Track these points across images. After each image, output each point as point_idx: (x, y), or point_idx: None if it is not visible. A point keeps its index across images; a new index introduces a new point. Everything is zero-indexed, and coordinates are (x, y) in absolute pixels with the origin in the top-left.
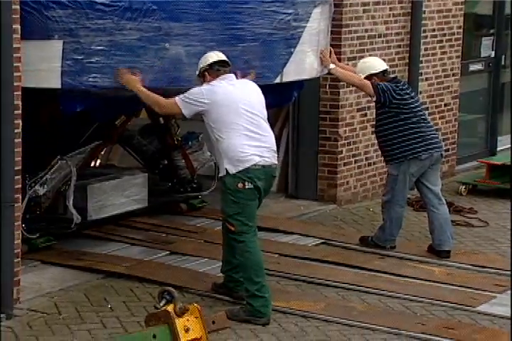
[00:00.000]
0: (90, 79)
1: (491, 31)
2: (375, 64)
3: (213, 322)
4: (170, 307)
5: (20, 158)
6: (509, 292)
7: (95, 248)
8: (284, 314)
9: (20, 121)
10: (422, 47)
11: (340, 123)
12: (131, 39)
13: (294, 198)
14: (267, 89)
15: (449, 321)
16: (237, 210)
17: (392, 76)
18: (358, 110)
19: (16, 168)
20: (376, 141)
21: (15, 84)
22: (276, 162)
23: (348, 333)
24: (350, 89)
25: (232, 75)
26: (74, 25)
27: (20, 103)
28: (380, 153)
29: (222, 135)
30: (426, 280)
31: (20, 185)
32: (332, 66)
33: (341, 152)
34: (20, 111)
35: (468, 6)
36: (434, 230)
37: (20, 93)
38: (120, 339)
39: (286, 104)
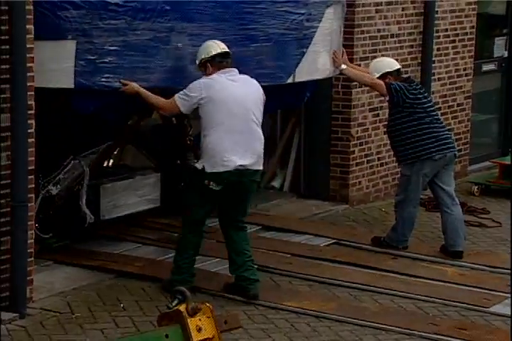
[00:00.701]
0: (103, 80)
1: (504, 31)
2: (390, 62)
3: (225, 322)
4: (182, 307)
5: (33, 158)
6: None
7: (107, 247)
8: (296, 314)
9: (33, 121)
10: (435, 47)
11: (352, 123)
12: (144, 39)
13: (306, 198)
14: (280, 90)
15: (461, 322)
16: (195, 202)
17: (405, 76)
18: (371, 110)
19: (30, 168)
20: (388, 141)
21: (28, 84)
22: (260, 167)
23: (360, 333)
24: (363, 89)
25: (235, 70)
26: (87, 26)
27: (33, 103)
28: (392, 153)
29: (208, 132)
30: (438, 281)
31: (33, 185)
32: (344, 66)
33: (353, 152)
34: (33, 111)
35: (481, 6)
36: (447, 231)
37: (33, 93)
38: (128, 339)
39: (299, 104)
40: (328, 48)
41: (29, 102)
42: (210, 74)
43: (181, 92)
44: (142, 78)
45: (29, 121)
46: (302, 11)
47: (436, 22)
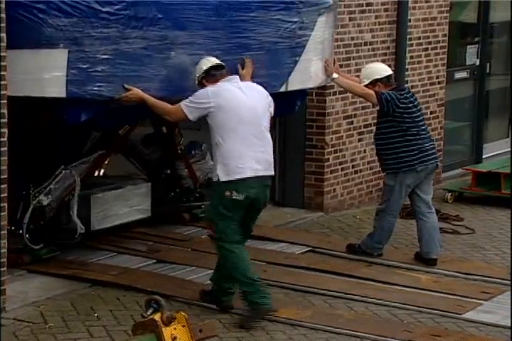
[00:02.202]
0: (95, 89)
1: (476, 39)
2: (380, 69)
3: (200, 331)
4: (157, 316)
5: (5, 167)
6: (497, 298)
7: (82, 256)
8: (271, 322)
9: (6, 130)
10: (408, 55)
11: (326, 131)
12: (137, 48)
13: (281, 206)
14: (272, 99)
15: (435, 328)
16: (220, 218)
17: (396, 83)
18: (345, 118)
19: (3, 177)
20: (364, 148)
21: (1, 92)
22: (273, 173)
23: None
24: (337, 97)
25: (237, 77)
26: (79, 34)
27: (6, 112)
28: (366, 161)
29: (221, 141)
30: (413, 288)
31: (6, 194)
32: (335, 75)
33: (328, 159)
34: (6, 120)
35: (453, 14)
36: (423, 238)
37: (6, 101)
38: None
39: (289, 113)
40: (321, 56)
41: (1, 111)
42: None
43: (187, 100)
44: (135, 87)
45: (1, 130)
46: (295, 19)
47: (409, 30)
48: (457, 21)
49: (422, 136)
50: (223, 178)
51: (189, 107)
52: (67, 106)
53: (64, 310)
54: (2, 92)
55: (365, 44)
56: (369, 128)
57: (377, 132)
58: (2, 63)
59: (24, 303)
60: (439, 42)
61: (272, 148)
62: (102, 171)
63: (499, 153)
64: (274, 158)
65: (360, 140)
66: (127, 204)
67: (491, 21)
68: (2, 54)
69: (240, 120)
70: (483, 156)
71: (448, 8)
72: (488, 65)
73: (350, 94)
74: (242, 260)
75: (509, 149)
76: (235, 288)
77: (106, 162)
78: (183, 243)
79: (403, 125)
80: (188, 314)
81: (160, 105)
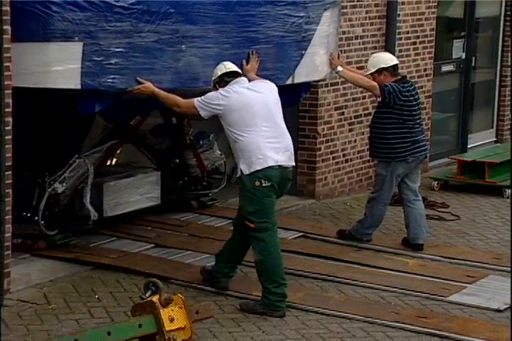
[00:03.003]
0: (109, 81)
1: (462, 34)
2: (386, 58)
3: (197, 312)
4: (155, 298)
5: (10, 154)
6: (480, 282)
7: (84, 240)
8: None
9: (10, 119)
10: (397, 48)
11: (318, 121)
12: (149, 41)
13: None
14: (279, 90)
15: (421, 310)
16: (257, 208)
17: (401, 75)
18: (336, 109)
19: (8, 164)
20: (359, 138)
21: (5, 83)
22: (293, 163)
23: (325, 322)
24: (329, 88)
25: (244, 78)
26: (93, 28)
27: (10, 101)
28: (356, 150)
29: (238, 137)
30: (400, 272)
31: (11, 181)
32: (340, 68)
33: (320, 149)
34: (10, 110)
35: (440, 10)
36: (410, 224)
37: (10, 92)
38: (103, 329)
39: (294, 104)
40: (326, 50)
41: (7, 100)
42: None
43: (200, 99)
44: (147, 79)
45: (7, 119)
46: (301, 14)
47: (398, 24)
48: (444, 16)
49: (416, 129)
50: (247, 171)
51: (201, 105)
52: (81, 97)
53: (66, 292)
54: (7, 83)
55: (356, 38)
56: (359, 119)
57: (375, 121)
58: (6, 55)
59: (28, 285)
60: (426, 36)
61: (289, 138)
62: (114, 160)
63: (483, 143)
64: None
65: (350, 130)
66: (138, 192)
67: (476, 17)
68: (6, 45)
69: (253, 116)
70: (468, 146)
71: (435, 4)
72: (473, 58)
73: (341, 86)
74: (276, 253)
75: (493, 139)
76: (235, 273)
77: (118, 151)
78: (181, 228)
79: (400, 117)
80: (184, 296)
81: (171, 98)
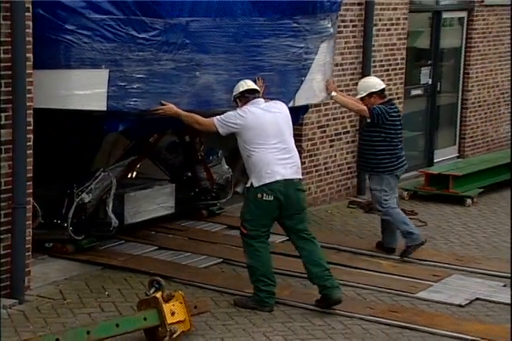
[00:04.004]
0: (132, 103)
1: (429, 62)
2: (375, 83)
3: (195, 307)
4: (158, 294)
5: (31, 167)
6: (445, 280)
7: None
8: None
9: (31, 136)
10: (372, 75)
11: (303, 138)
12: (167, 68)
13: None
14: None
15: (393, 305)
16: (253, 217)
17: (388, 98)
18: (319, 127)
19: (28, 175)
20: (338, 153)
21: (28, 104)
22: (300, 176)
23: (309, 316)
24: (312, 109)
25: (261, 100)
26: (118, 57)
27: (31, 120)
28: (336, 163)
29: (251, 153)
30: (374, 272)
31: (31, 190)
32: (334, 93)
33: (304, 163)
34: (31, 127)
35: (410, 41)
36: (385, 231)
37: (31, 111)
38: (112, 322)
39: (294, 123)
40: (322, 77)
41: (28, 119)
42: (242, 107)
43: (219, 117)
44: (168, 102)
45: (28, 136)
46: (301, 45)
47: (373, 54)
48: (413, 47)
49: (399, 146)
50: (256, 184)
51: (220, 123)
52: (107, 118)
53: (79, 289)
54: (28, 104)
55: (336, 65)
56: (339, 136)
57: (364, 138)
58: (28, 79)
59: (46, 283)
60: (398, 64)
61: (297, 153)
62: (135, 173)
63: (448, 158)
64: None
65: (331, 146)
66: (155, 202)
67: (441, 47)
68: (28, 71)
69: (266, 135)
70: (434, 161)
71: (405, 36)
72: (438, 84)
73: (323, 107)
74: (263, 258)
75: (456, 155)
76: (335, 281)
77: (138, 166)
78: (181, 232)
79: (387, 135)
80: (184, 293)
81: (192, 116)
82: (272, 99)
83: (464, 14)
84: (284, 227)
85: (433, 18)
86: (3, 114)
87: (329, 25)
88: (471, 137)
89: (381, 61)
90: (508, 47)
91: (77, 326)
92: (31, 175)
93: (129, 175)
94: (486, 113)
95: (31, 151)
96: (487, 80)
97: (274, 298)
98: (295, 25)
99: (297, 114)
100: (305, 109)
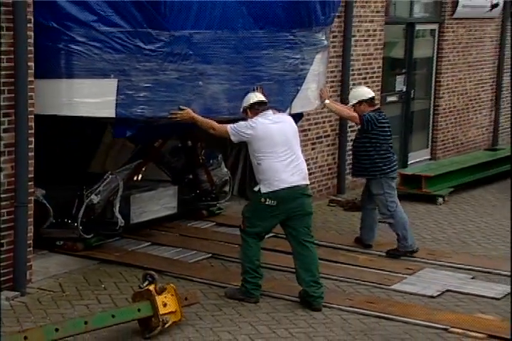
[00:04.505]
0: (139, 111)
1: (403, 71)
2: (365, 92)
3: (186, 299)
4: (151, 287)
5: (32, 168)
6: (418, 273)
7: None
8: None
9: (33, 139)
10: (351, 82)
11: None
12: (172, 78)
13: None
14: None
15: (370, 297)
16: (251, 215)
17: (377, 106)
18: (302, 131)
19: (29, 176)
20: (320, 155)
21: (29, 109)
22: (307, 182)
23: (291, 307)
24: None
25: (269, 112)
26: (127, 67)
27: (33, 124)
28: (317, 165)
29: (260, 161)
30: (352, 265)
31: (32, 190)
32: (327, 101)
33: None
34: (33, 131)
35: (386, 51)
36: (365, 227)
37: (33, 116)
38: (108, 313)
39: None
40: (316, 86)
41: (29, 124)
42: (251, 118)
43: (233, 126)
44: (170, 110)
45: (29, 139)
46: (298, 56)
47: (351, 63)
48: (389, 57)
49: (390, 150)
50: (264, 190)
51: (233, 131)
52: (115, 124)
53: (78, 282)
54: (30, 109)
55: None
56: (320, 140)
57: (357, 145)
58: (30, 86)
59: (46, 276)
60: (374, 72)
61: (303, 161)
62: (140, 176)
63: (421, 160)
64: (248, 165)
65: (313, 149)
66: (159, 203)
67: (414, 57)
68: (29, 79)
69: (274, 144)
70: (408, 162)
71: (382, 46)
72: (412, 91)
73: (305, 113)
74: (253, 252)
75: (428, 157)
76: (318, 292)
77: (143, 169)
78: (173, 229)
79: (377, 141)
80: (175, 285)
81: (208, 122)
82: (270, 107)
83: (435, 26)
84: (285, 231)
85: (407, 29)
86: (6, 119)
87: (323, 38)
88: (442, 141)
89: (359, 69)
90: (475, 56)
91: (76, 317)
92: (32, 175)
93: (135, 178)
94: (455, 118)
95: (32, 154)
96: (457, 88)
97: (260, 290)
98: (292, 37)
99: (294, 120)
100: (300, 115)
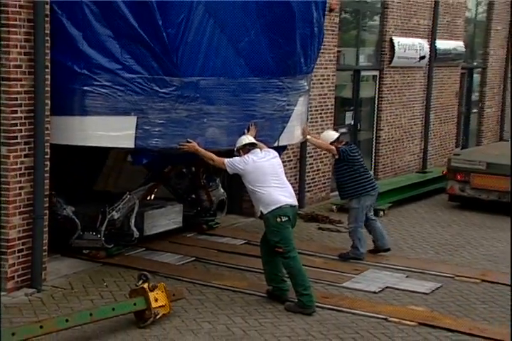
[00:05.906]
0: (154, 142)
1: (351, 108)
2: (332, 135)
3: (173, 295)
4: (145, 285)
5: (48, 187)
6: (363, 273)
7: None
8: (220, 289)
9: (48, 163)
10: (309, 117)
11: None
12: (182, 116)
13: (228, 213)
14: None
15: (325, 293)
16: (280, 237)
17: (346, 141)
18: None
19: (45, 193)
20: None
21: (45, 138)
22: (297, 203)
23: (262, 302)
24: None
25: (258, 150)
26: (144, 106)
27: (49, 151)
28: (295, 181)
29: (255, 189)
30: (311, 267)
31: (47, 204)
32: (309, 137)
33: None
34: (48, 156)
35: (337, 92)
36: (375, 237)
37: (48, 144)
38: (110, 306)
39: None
40: (300, 123)
41: (46, 150)
42: (243, 156)
43: (229, 160)
44: (179, 142)
45: (45, 163)
46: (284, 99)
47: (310, 101)
48: (340, 96)
49: (366, 173)
50: (265, 211)
51: (229, 164)
52: (134, 153)
53: (84, 281)
54: (46, 138)
55: None
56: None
57: (338, 172)
58: (46, 119)
59: (58, 276)
60: (328, 109)
61: (289, 186)
62: (153, 196)
63: None
64: (227, 183)
65: (295, 167)
66: (167, 218)
67: (360, 97)
68: (46, 113)
69: (265, 174)
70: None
71: (334, 88)
72: (358, 124)
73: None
74: (299, 267)
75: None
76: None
77: (155, 190)
78: (162, 237)
79: (352, 167)
80: (165, 284)
81: (208, 154)
82: (260, 141)
83: (376, 73)
84: (265, 239)
85: (354, 75)
86: (26, 146)
87: (305, 84)
88: (383, 165)
89: (316, 106)
90: (408, 97)
91: (82, 309)
92: (48, 192)
93: (148, 197)
94: (393, 146)
95: (48, 175)
96: (394, 122)
97: (314, 300)
98: (280, 83)
99: (279, 151)
100: (284, 147)
